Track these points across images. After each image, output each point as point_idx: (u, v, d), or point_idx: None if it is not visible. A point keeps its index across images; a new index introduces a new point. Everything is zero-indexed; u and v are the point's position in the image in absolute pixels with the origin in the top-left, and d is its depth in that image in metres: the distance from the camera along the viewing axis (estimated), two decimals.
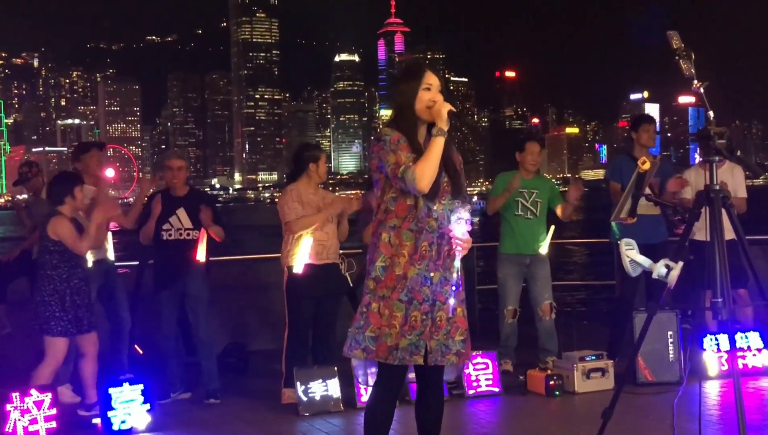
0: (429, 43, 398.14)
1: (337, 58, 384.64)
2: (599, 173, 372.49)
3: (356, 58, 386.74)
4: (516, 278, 7.33)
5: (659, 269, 4.05)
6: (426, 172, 3.62)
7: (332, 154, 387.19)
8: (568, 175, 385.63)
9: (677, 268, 3.99)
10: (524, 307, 7.51)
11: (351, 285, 6.96)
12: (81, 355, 6.14)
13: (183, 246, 6.56)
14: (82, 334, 6.05)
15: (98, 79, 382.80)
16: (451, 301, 3.76)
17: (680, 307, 6.78)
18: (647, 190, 6.23)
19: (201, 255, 6.55)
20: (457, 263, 3.80)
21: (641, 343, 4.74)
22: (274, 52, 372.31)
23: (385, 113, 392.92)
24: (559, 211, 7.39)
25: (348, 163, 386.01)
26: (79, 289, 6.01)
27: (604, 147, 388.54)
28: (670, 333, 6.72)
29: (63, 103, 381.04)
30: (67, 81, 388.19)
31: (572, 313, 10.15)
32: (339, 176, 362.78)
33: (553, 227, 7.45)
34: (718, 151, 4.02)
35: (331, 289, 6.49)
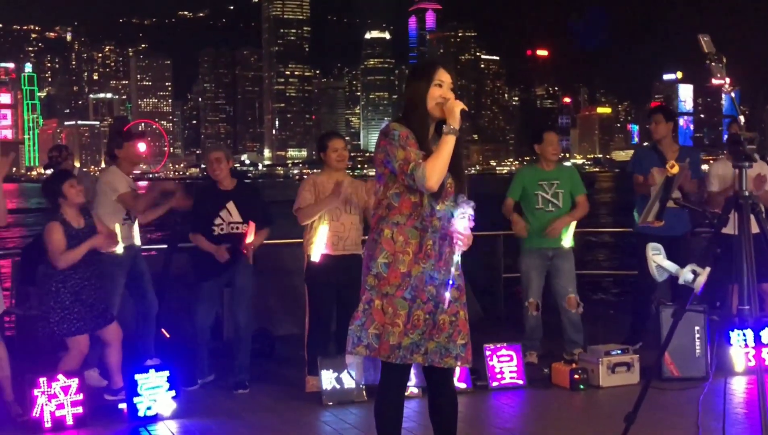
0: (460, 21, 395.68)
1: (367, 35, 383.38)
2: (630, 154, 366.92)
3: (387, 35, 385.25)
4: (538, 271, 7.27)
5: (686, 275, 4.02)
6: (436, 170, 3.60)
7: (361, 131, 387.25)
8: (599, 156, 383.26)
9: (704, 274, 3.96)
10: (549, 297, 7.47)
11: None
12: (105, 344, 6.19)
13: (233, 239, 6.56)
14: (101, 328, 6.10)
15: (130, 53, 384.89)
16: (448, 296, 3.74)
17: (708, 300, 6.72)
18: (677, 195, 6.20)
19: (250, 242, 6.59)
20: (457, 258, 3.80)
21: (668, 344, 4.73)
22: (304, 28, 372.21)
23: None
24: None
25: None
26: (82, 287, 5.96)
27: (636, 127, 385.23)
28: (696, 328, 6.66)
29: (95, 78, 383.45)
30: (100, 55, 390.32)
31: (599, 302, 10.12)
32: (368, 154, 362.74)
33: (575, 221, 7.33)
34: (748, 157, 3.96)
35: (351, 279, 6.45)
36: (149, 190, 7.12)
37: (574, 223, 7.31)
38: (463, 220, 3.70)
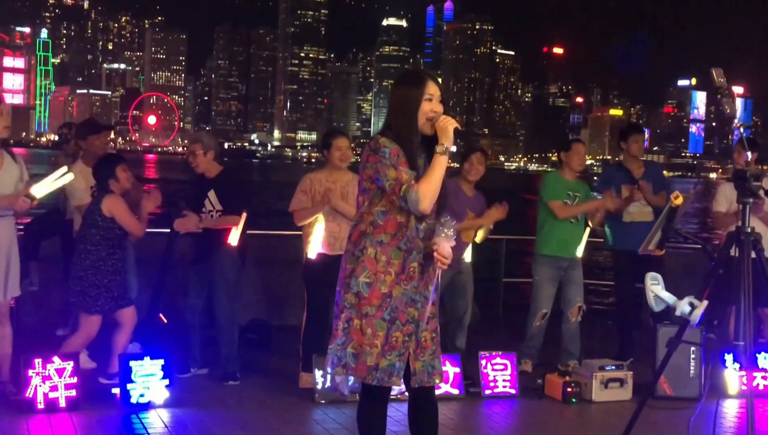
0: (478, 13, 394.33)
1: (384, 22, 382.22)
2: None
3: (404, 23, 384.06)
4: (552, 282, 7.29)
5: (683, 307, 4.01)
6: (429, 192, 3.55)
7: (372, 118, 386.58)
8: (608, 158, 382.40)
9: (701, 306, 3.96)
10: (553, 307, 7.48)
11: None
12: (117, 325, 6.20)
13: (213, 229, 6.54)
14: (120, 309, 6.13)
15: (146, 25, 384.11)
16: (427, 313, 3.72)
17: (706, 316, 6.72)
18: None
19: (233, 238, 6.53)
20: (438, 278, 3.77)
21: (663, 369, 4.75)
22: (322, 11, 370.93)
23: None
24: (588, 217, 7.34)
25: None
26: (116, 267, 6.07)
27: (647, 131, 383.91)
28: (692, 348, 6.65)
29: (110, 48, 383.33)
30: (116, 26, 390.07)
31: (597, 312, 10.11)
32: None
33: (588, 230, 7.41)
34: (753, 194, 3.97)
35: None
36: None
37: (587, 233, 7.43)
38: (446, 239, 3.61)
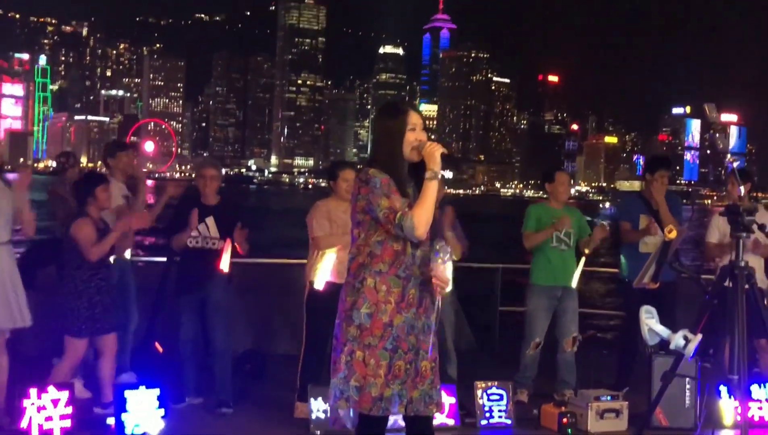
0: (474, 42, 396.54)
1: (381, 50, 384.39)
2: (634, 184, 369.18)
3: (400, 51, 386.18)
4: (546, 311, 7.27)
5: (677, 340, 4.03)
6: (423, 219, 3.58)
7: (369, 144, 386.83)
8: (603, 184, 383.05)
9: (695, 340, 3.98)
10: (546, 336, 7.45)
11: None
12: (99, 354, 6.19)
13: (207, 255, 6.56)
14: (102, 335, 6.10)
15: (144, 52, 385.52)
16: (429, 342, 3.70)
17: (701, 345, 6.70)
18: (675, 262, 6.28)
19: (225, 265, 6.55)
20: (438, 304, 3.76)
21: (658, 401, 4.76)
22: (319, 39, 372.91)
23: (425, 108, 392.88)
24: (581, 245, 7.33)
25: None
26: (100, 288, 6.05)
27: (642, 158, 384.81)
28: (687, 379, 6.63)
29: (108, 74, 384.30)
30: (114, 52, 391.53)
31: (593, 341, 10.09)
32: None
33: (583, 259, 7.38)
34: (746, 228, 3.97)
35: None
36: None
37: (582, 263, 7.37)
38: (442, 264, 3.63)
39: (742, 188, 4.46)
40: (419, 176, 3.69)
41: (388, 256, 3.66)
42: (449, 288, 3.71)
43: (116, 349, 6.23)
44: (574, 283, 7.30)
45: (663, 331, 4.16)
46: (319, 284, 6.39)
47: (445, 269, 3.63)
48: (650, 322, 4.20)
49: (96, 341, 6.13)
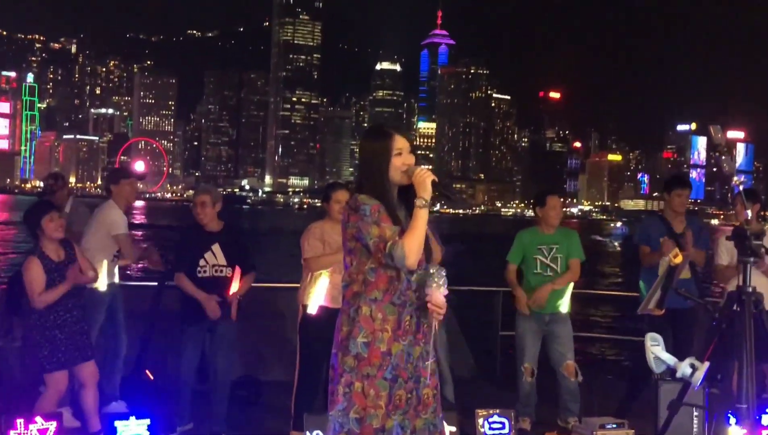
0: (473, 57, 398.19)
1: (378, 66, 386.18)
2: (639, 203, 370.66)
3: (398, 67, 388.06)
4: (533, 335, 7.24)
5: (684, 369, 4.01)
6: (414, 247, 3.55)
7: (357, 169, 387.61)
8: (607, 204, 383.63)
9: (702, 368, 3.96)
10: (545, 362, 7.44)
11: None
12: (80, 385, 6.15)
13: (217, 283, 6.54)
14: (78, 364, 6.05)
15: (135, 70, 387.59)
16: (429, 369, 3.69)
17: (709, 371, 6.69)
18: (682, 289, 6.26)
19: (234, 290, 6.57)
20: (435, 329, 3.74)
21: (666, 430, 4.75)
22: (314, 55, 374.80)
23: (423, 125, 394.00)
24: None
25: None
26: (65, 320, 5.96)
27: (646, 177, 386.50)
28: (695, 414, 6.60)
29: (98, 92, 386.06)
30: (104, 69, 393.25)
31: (595, 364, 10.07)
32: None
33: (571, 284, 7.32)
34: (753, 253, 3.97)
35: None
36: (139, 248, 7.27)
37: (570, 287, 7.30)
38: (438, 288, 3.60)
39: (749, 211, 4.52)
40: (410, 200, 3.67)
41: (382, 284, 3.65)
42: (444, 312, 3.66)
43: (97, 377, 6.19)
44: (563, 309, 7.24)
45: (669, 358, 4.13)
46: (312, 309, 6.39)
47: (440, 294, 3.60)
48: (656, 349, 4.15)
49: (75, 371, 6.09)
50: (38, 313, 5.89)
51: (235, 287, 6.55)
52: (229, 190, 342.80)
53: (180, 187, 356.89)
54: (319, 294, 6.37)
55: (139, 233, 72.72)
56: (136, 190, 7.53)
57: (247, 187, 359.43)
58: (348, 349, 3.65)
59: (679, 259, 5.94)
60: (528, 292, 7.20)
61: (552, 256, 7.19)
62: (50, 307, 5.90)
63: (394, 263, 3.57)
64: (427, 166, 3.77)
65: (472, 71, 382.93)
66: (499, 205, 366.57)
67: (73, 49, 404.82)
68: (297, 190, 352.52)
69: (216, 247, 6.58)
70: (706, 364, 3.99)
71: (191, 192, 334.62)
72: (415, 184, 3.65)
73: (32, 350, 5.93)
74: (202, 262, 6.56)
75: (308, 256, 6.40)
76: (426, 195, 3.61)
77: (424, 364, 3.70)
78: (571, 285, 7.29)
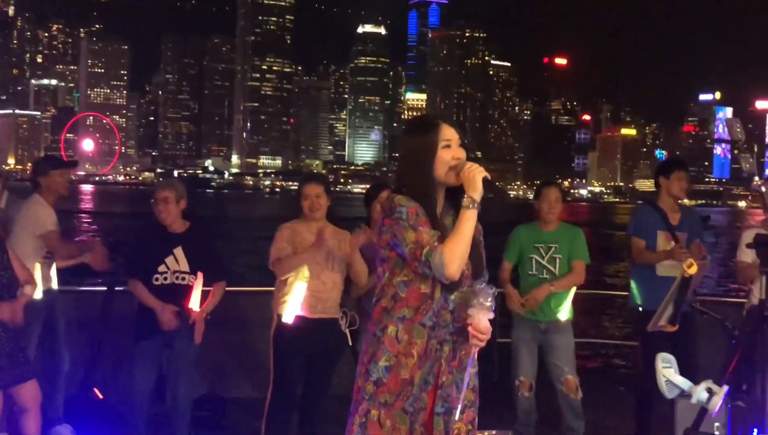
0: (468, 19, 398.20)
1: (360, 30, 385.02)
2: None
3: (382, 30, 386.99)
4: (529, 344, 7.20)
5: (699, 394, 4.00)
6: (456, 255, 3.45)
7: (347, 140, 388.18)
8: (621, 184, 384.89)
9: (721, 392, 3.95)
10: (543, 374, 7.44)
11: (351, 344, 6.91)
12: (22, 410, 6.12)
13: (176, 292, 6.49)
14: (14, 386, 5.98)
15: (82, 35, 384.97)
16: (462, 400, 3.59)
17: (733, 379, 6.73)
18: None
19: (195, 303, 6.51)
20: (474, 359, 3.62)
21: None
22: (287, 17, 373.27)
23: (412, 97, 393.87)
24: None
25: (364, 152, 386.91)
26: None
27: (664, 154, 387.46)
28: (717, 425, 6.66)
29: (39, 60, 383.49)
30: (46, 35, 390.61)
31: (603, 373, 10.11)
32: (353, 167, 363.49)
33: (573, 289, 7.31)
34: None
35: (325, 347, 6.44)
36: (76, 244, 7.17)
37: (572, 292, 7.25)
38: (482, 310, 3.48)
39: None
40: (459, 204, 3.58)
41: (413, 300, 3.55)
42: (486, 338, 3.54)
43: (39, 398, 6.17)
44: (563, 316, 7.20)
45: (683, 382, 4.11)
46: (287, 318, 6.36)
47: (484, 317, 3.48)
48: (668, 372, 4.13)
49: (14, 394, 6.05)
50: None
51: (195, 298, 6.49)
52: (191, 171, 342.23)
53: (134, 168, 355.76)
54: (295, 302, 6.33)
55: (87, 222, 72.54)
56: (69, 181, 7.42)
57: (212, 168, 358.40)
58: (369, 374, 3.57)
59: (693, 270, 5.93)
60: (523, 295, 7.18)
61: (549, 256, 7.16)
62: None
63: (432, 273, 3.46)
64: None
65: (467, 34, 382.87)
66: (500, 186, 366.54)
67: (11, 11, 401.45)
68: (268, 171, 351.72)
69: (179, 251, 6.54)
70: (725, 388, 3.97)
71: (147, 174, 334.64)
72: (464, 182, 3.55)
73: None
74: (162, 268, 6.50)
75: (272, 259, 6.40)
76: (476, 195, 3.52)
77: (458, 395, 3.60)
78: (574, 290, 7.25)
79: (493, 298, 3.51)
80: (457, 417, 3.61)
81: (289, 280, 6.36)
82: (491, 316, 3.49)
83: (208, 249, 6.77)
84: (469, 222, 3.50)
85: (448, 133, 3.66)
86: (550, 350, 7.18)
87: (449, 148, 3.63)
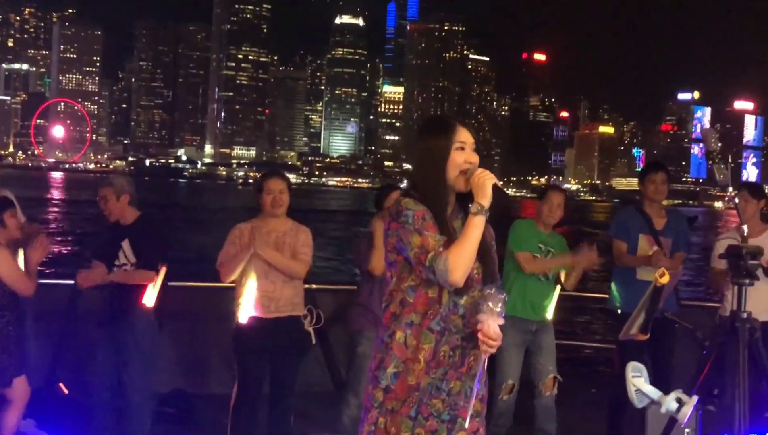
0: (447, 12, 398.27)
1: (337, 20, 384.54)
2: (633, 182, 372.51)
3: (360, 21, 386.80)
4: (518, 347, 7.25)
5: (669, 404, 4.01)
6: (461, 261, 3.42)
7: (323, 132, 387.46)
8: (597, 182, 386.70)
9: (690, 402, 3.96)
10: (522, 378, 7.47)
11: (314, 342, 6.89)
12: (6, 402, 6.10)
13: (125, 285, 6.49)
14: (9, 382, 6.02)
15: (54, 19, 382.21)
16: (470, 410, 3.54)
17: (704, 384, 6.78)
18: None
19: (149, 298, 6.47)
20: (484, 365, 3.58)
21: None
22: (264, 6, 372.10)
23: (389, 90, 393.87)
24: (563, 277, 7.32)
25: (340, 144, 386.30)
26: (6, 332, 5.97)
27: (642, 152, 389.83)
28: (687, 431, 6.70)
29: (10, 44, 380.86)
30: (18, 19, 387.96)
31: (576, 376, 10.12)
32: (328, 159, 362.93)
33: (558, 288, 7.37)
34: (749, 274, 3.95)
35: (286, 346, 6.43)
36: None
37: (558, 291, 7.33)
38: (492, 316, 3.44)
39: (745, 227, 4.51)
40: (468, 209, 3.55)
41: (421, 305, 3.54)
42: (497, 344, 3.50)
43: (27, 396, 6.14)
44: (550, 315, 7.31)
45: (653, 392, 4.10)
46: (242, 319, 6.37)
47: (494, 323, 3.44)
48: (638, 381, 4.12)
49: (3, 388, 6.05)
50: None
51: (151, 293, 6.44)
52: (163, 161, 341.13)
53: (106, 156, 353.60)
54: (248, 302, 6.35)
55: (56, 209, 72.12)
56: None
57: (184, 157, 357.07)
58: (378, 381, 3.55)
59: (665, 280, 5.97)
60: (517, 295, 7.19)
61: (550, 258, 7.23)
62: None
63: (437, 279, 3.44)
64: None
65: (446, 28, 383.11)
66: (510, 195, 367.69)
67: None
68: (242, 162, 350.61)
69: (125, 243, 6.52)
70: (695, 398, 3.99)
71: (118, 162, 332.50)
72: (474, 188, 3.53)
73: None
74: (117, 262, 6.51)
75: (217, 263, 6.38)
76: (485, 201, 3.49)
77: (466, 403, 3.56)
78: (558, 289, 7.33)
79: (503, 304, 3.47)
80: (466, 425, 3.55)
81: (242, 281, 6.37)
82: (501, 322, 3.46)
83: (152, 237, 6.64)
84: (476, 228, 3.46)
85: (463, 136, 3.62)
86: (538, 350, 7.23)
87: (463, 150, 3.59)
